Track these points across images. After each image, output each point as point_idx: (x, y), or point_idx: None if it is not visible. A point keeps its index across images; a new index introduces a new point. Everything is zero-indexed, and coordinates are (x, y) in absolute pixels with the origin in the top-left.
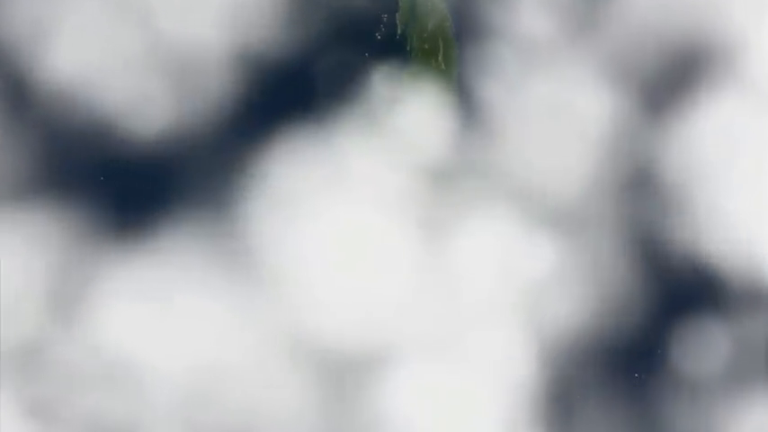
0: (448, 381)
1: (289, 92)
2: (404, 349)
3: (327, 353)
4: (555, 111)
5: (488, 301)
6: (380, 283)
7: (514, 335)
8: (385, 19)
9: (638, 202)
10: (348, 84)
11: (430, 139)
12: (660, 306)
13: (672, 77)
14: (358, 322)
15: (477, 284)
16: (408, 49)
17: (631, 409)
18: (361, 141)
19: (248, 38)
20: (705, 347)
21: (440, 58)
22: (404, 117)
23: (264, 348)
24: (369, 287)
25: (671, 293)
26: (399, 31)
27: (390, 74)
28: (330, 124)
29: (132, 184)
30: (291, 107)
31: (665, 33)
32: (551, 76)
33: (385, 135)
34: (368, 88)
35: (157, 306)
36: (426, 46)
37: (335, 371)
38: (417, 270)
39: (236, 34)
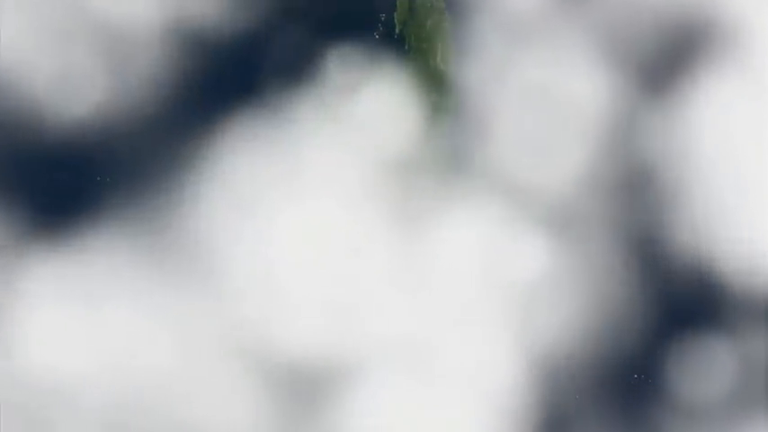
0: (422, 397)
1: (239, 74)
2: (373, 360)
3: (285, 363)
4: (544, 96)
5: (469, 308)
6: (345, 286)
7: (498, 346)
8: (383, 18)
9: (638, 198)
10: (306, 67)
11: (401, 127)
12: (662, 315)
13: (674, 58)
14: (319, 329)
15: (457, 290)
16: (406, 48)
17: (627, 429)
18: (321, 130)
19: (194, 10)
20: (708, 361)
21: (438, 58)
22: (371, 103)
23: (212, 357)
24: (332, 291)
25: (673, 302)
26: (397, 31)
27: (353, 57)
28: (286, 111)
29: (56, 175)
30: (242, 91)
31: (666, 9)
32: (540, 56)
33: (350, 123)
34: (328, 72)
35: (86, 311)
36: (424, 46)
37: (294, 383)
38: (387, 273)
39: (180, 7)
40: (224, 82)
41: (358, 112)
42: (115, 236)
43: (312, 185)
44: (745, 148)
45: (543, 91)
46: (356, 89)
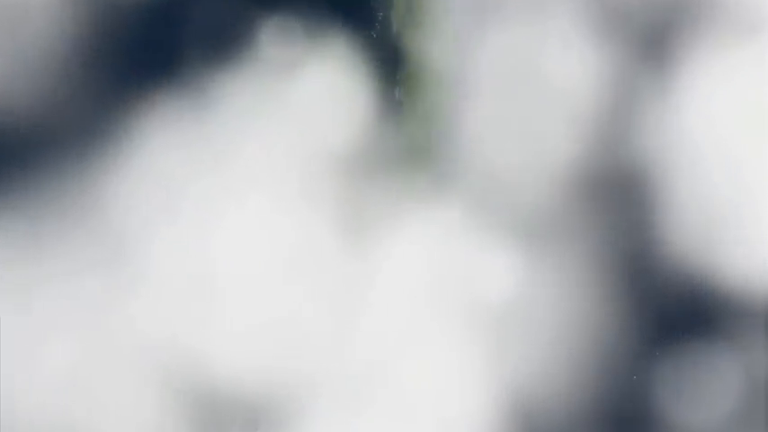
0: None
1: (156, 45)
2: (313, 391)
3: (207, 394)
4: (521, 77)
5: (428, 331)
6: (282, 303)
7: (464, 375)
8: (380, 17)
9: (629, 200)
10: (237, 38)
11: (351, 114)
12: (654, 338)
13: (673, 31)
14: (250, 352)
15: (414, 310)
16: (403, 46)
17: None
18: (254, 116)
19: None
20: (707, 386)
21: (436, 55)
22: (313, 84)
23: (122, 379)
24: (266, 308)
25: (667, 323)
26: (395, 29)
27: (292, 27)
28: (212, 91)
29: None
30: (160, 66)
31: None
32: (517, 30)
33: (288, 108)
34: (262, 45)
35: None
36: (422, 44)
37: (217, 417)
38: (332, 288)
39: None
40: (139, 55)
41: (298, 94)
42: (12, 237)
43: (241, 182)
44: (748, 138)
45: (521, 71)
46: (296, 66)
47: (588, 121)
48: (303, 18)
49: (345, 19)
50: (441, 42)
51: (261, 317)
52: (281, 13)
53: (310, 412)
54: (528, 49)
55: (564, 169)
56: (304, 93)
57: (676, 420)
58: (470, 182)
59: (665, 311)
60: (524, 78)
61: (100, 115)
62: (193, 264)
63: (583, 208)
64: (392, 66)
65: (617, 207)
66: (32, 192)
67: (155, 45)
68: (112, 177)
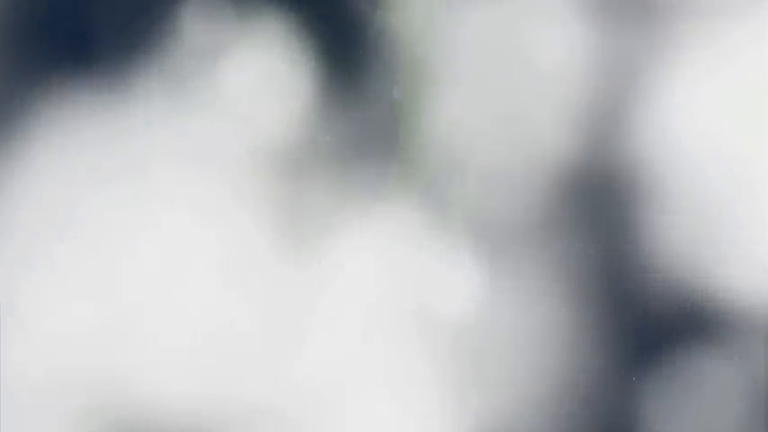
0: None
1: (62, 28)
2: (253, 420)
3: (131, 428)
4: (502, 60)
5: (378, 353)
6: (213, 320)
7: (421, 398)
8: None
9: (611, 203)
10: (152, 21)
11: (287, 107)
12: (633, 360)
13: (675, 6)
14: (177, 380)
15: (365, 325)
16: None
17: None
18: (179, 110)
19: None
20: (699, 410)
21: (412, 36)
22: (243, 73)
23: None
24: (193, 330)
25: (654, 339)
26: (387, 26)
27: (222, 10)
28: (126, 81)
29: None
30: (66, 51)
31: None
32: (497, 7)
33: (213, 100)
34: (181, 29)
35: None
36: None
37: None
38: (269, 306)
39: None
40: (44, 39)
41: (228, 83)
42: None
43: (163, 184)
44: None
45: (503, 55)
46: (225, 52)
47: (576, 111)
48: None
49: None
50: (415, 21)
51: (190, 337)
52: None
53: None
54: (510, 30)
55: (546, 165)
56: (235, 82)
57: None
58: (435, 179)
59: (653, 325)
60: (505, 62)
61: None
62: (109, 277)
63: (564, 209)
64: (352, 51)
65: (602, 209)
66: None
67: (62, 28)
68: (15, 179)
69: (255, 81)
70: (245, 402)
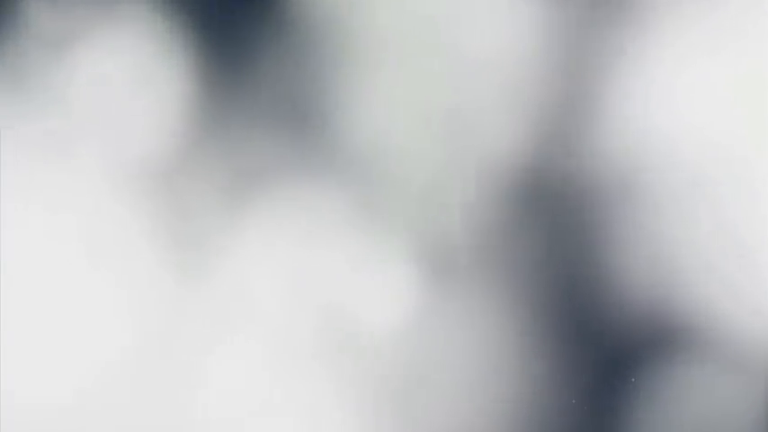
0: None
1: None
2: None
3: None
4: (436, 42)
5: (293, 375)
6: (95, 348)
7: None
8: None
9: (571, 207)
10: None
11: (161, 105)
12: (587, 372)
13: None
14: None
15: (273, 346)
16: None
17: None
18: (26, 114)
19: None
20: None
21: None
22: (105, 69)
23: None
24: (75, 356)
25: (603, 356)
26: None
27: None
28: None
29: None
30: None
31: None
32: None
33: (72, 102)
34: (33, 19)
35: None
36: None
37: None
38: (161, 326)
39: None
40: None
41: (84, 78)
42: None
43: (18, 201)
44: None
45: (438, 36)
46: (79, 41)
47: (527, 104)
48: None
49: None
50: None
51: (70, 368)
52: None
53: None
54: (447, 8)
55: (489, 164)
56: (92, 76)
57: None
58: (358, 175)
59: (609, 338)
60: (441, 45)
61: None
62: None
63: (510, 214)
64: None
65: (556, 215)
66: None
67: None
68: None
69: (119, 75)
70: None
